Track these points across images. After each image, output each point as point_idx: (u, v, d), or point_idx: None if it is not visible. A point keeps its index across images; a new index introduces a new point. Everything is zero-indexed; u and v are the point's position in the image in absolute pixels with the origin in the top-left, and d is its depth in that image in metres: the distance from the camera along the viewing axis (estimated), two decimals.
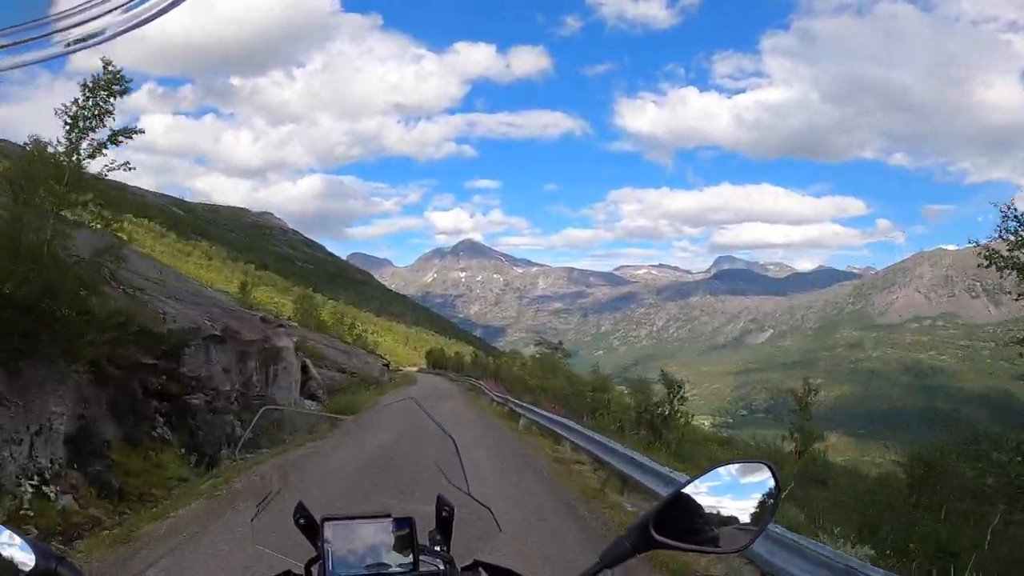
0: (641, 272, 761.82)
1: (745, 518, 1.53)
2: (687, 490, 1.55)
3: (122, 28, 0.84)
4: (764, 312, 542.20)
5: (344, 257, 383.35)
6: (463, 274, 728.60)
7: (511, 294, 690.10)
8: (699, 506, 1.53)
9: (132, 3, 0.86)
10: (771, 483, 1.57)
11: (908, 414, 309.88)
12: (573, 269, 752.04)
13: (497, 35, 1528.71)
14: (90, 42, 0.86)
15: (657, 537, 1.50)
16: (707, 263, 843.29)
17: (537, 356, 68.64)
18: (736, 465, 1.62)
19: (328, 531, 1.74)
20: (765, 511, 1.54)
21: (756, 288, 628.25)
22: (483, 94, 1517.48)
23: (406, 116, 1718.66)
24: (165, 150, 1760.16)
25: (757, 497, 1.55)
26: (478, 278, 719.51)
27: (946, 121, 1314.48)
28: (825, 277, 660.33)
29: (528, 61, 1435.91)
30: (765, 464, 1.61)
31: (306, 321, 63.76)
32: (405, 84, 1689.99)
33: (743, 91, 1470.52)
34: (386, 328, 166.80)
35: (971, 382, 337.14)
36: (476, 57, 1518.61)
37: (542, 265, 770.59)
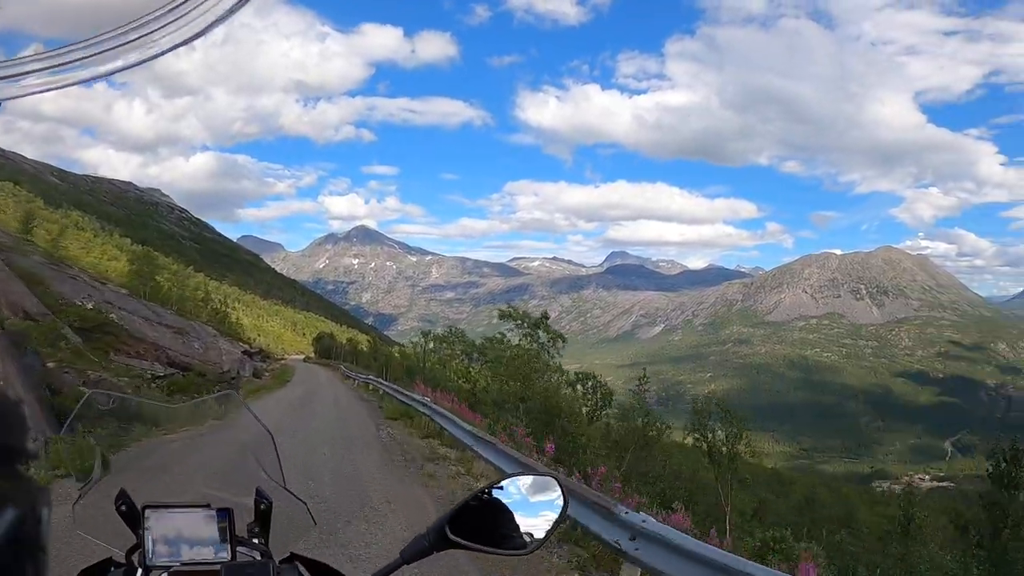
0: (535, 264, 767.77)
1: (535, 524, 1.68)
2: (482, 494, 1.68)
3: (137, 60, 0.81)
4: (656, 307, 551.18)
5: (235, 239, 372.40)
6: (356, 261, 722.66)
7: (404, 282, 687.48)
8: (492, 510, 1.67)
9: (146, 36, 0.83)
10: (559, 495, 1.74)
11: (796, 407, 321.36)
12: (467, 259, 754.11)
13: (405, 19, 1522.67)
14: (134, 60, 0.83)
15: (452, 537, 1.62)
16: (601, 258, 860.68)
17: (503, 349, 42.54)
18: (529, 476, 1.78)
19: (149, 519, 1.72)
20: (552, 520, 1.70)
21: (648, 284, 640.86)
22: (386, 78, 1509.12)
23: (306, 96, 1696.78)
24: (52, 117, 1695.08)
25: (546, 507, 1.71)
26: (371, 265, 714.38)
27: (840, 134, 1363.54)
28: (715, 275, 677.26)
29: (434, 47, 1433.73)
30: (554, 477, 1.79)
31: (141, 288, 56.13)
32: (308, 62, 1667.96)
33: (645, 92, 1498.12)
34: (273, 312, 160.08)
35: (853, 378, 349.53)
36: (382, 40, 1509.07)
37: (436, 254, 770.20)
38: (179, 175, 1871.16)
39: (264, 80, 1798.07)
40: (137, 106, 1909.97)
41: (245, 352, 57.38)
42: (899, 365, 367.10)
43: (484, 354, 46.68)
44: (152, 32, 0.79)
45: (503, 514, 1.66)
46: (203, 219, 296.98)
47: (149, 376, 32.27)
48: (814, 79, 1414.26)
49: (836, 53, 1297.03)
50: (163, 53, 0.82)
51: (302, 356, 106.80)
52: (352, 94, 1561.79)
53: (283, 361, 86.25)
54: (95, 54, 0.81)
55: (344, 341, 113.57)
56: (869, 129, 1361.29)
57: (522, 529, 1.67)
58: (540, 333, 41.15)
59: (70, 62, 0.82)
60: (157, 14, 0.79)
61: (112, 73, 0.81)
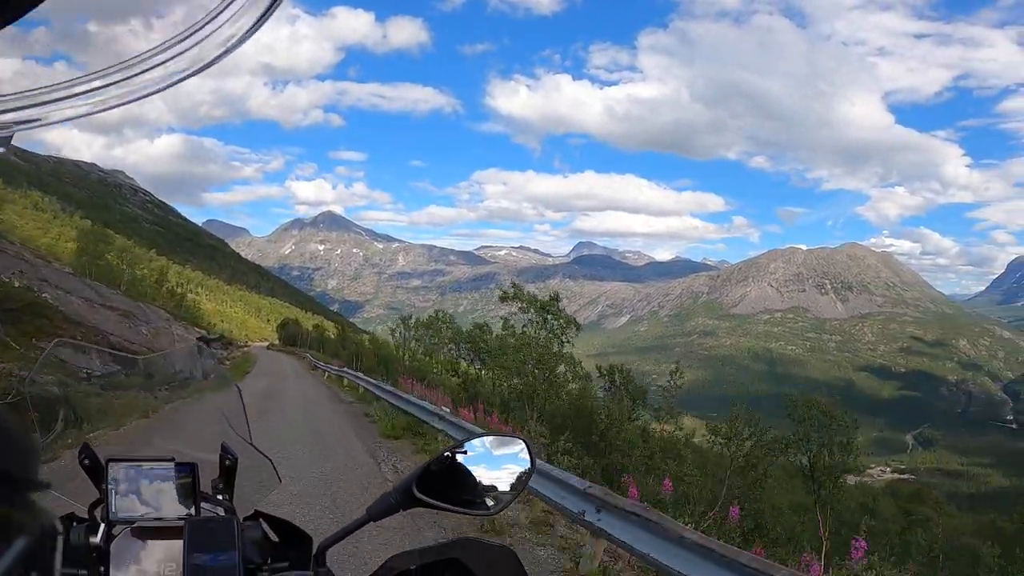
0: (502, 253, 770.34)
1: (502, 486, 1.66)
2: (450, 454, 1.65)
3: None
4: (622, 298, 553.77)
5: (200, 224, 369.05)
6: (322, 247, 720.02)
7: (370, 269, 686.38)
8: (460, 470, 1.64)
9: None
10: (526, 456, 1.72)
11: (759, 399, 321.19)
12: (434, 247, 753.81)
13: (377, 3, 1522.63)
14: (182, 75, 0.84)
15: (419, 495, 1.59)
16: (568, 248, 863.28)
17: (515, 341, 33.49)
18: (496, 437, 1.75)
19: (112, 472, 1.70)
20: (520, 481, 1.69)
21: (614, 274, 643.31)
22: (357, 62, 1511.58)
23: (275, 79, 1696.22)
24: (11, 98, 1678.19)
25: (513, 468, 1.69)
26: (337, 252, 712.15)
27: (808, 131, 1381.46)
28: (681, 267, 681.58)
29: (406, 32, 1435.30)
30: (522, 439, 1.76)
31: (88, 267, 53.04)
32: (277, 44, 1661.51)
33: (616, 83, 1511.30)
34: (237, 298, 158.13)
35: (817, 371, 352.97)
36: (354, 23, 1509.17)
37: (403, 241, 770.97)
38: (144, 157, 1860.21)
39: (232, 62, 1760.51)
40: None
41: (202, 339, 50.25)
42: (862, 359, 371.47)
43: (476, 343, 42.03)
44: (171, 59, 0.83)
45: (470, 474, 1.65)
46: (168, 203, 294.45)
47: (84, 374, 24.89)
48: (785, 76, 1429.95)
49: (808, 51, 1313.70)
50: (179, 80, 0.86)
51: (266, 343, 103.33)
52: (321, 78, 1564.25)
53: (245, 349, 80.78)
54: (112, 83, 0.84)
55: (310, 328, 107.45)
56: (838, 127, 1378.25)
57: (488, 489, 1.65)
58: (549, 318, 34.20)
59: (86, 91, 0.84)
60: (174, 42, 0.83)
61: (129, 102, 0.86)
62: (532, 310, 34.12)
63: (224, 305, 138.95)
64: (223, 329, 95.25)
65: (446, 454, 1.65)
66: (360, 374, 30.39)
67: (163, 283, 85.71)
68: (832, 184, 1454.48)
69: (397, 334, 53.01)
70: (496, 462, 1.68)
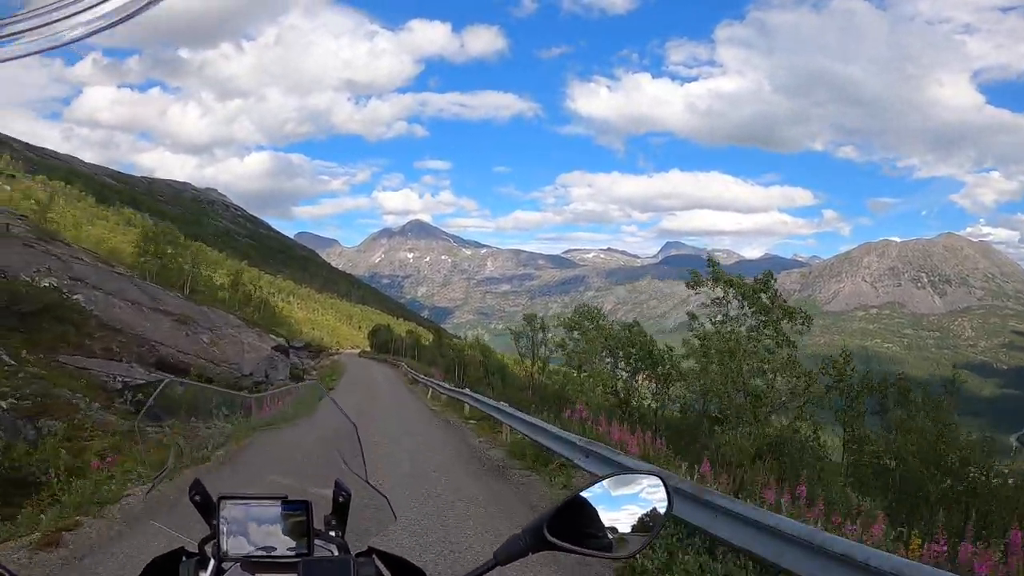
0: (590, 255, 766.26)
1: (636, 526, 1.58)
2: (583, 494, 1.59)
3: (108, 23, 0.80)
4: (712, 297, 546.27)
5: (292, 236, 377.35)
6: (411, 255, 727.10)
7: (459, 276, 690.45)
8: (593, 511, 1.57)
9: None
10: (663, 494, 1.63)
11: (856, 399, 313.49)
12: (522, 251, 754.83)
13: (453, 13, 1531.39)
14: (75, 35, 0.80)
15: (550, 538, 1.53)
16: (656, 248, 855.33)
17: None
18: (631, 475, 1.67)
19: (224, 510, 1.70)
20: (656, 520, 1.60)
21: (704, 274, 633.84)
22: (436, 73, 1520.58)
23: (357, 94, 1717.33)
24: (109, 124, 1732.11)
25: (649, 506, 1.60)
26: (426, 259, 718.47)
27: (897, 117, 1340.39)
28: (771, 265, 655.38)
29: (483, 41, 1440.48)
30: (658, 475, 1.66)
31: (146, 267, 49.54)
32: (358, 61, 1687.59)
33: (696, 79, 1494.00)
34: (328, 306, 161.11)
35: (916, 369, 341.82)
36: (431, 35, 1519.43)
37: (491, 247, 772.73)
38: (235, 175, 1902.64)
39: (315, 80, 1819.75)
40: (191, 109, 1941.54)
41: (278, 348, 44.58)
42: (962, 356, 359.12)
43: (636, 349, 30.17)
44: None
45: (604, 514, 1.56)
46: (260, 217, 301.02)
47: (119, 385, 22.72)
48: (868, 61, 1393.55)
49: (890, 33, 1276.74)
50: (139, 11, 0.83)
51: (357, 350, 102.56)
52: (402, 90, 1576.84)
53: (335, 357, 77.94)
54: (72, 14, 0.80)
55: (403, 333, 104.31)
56: (927, 111, 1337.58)
57: (623, 531, 1.57)
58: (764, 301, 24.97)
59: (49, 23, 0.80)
60: None
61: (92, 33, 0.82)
62: (740, 298, 25.33)
63: (315, 313, 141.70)
64: (313, 337, 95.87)
65: (579, 494, 1.58)
66: (479, 395, 21.97)
67: (239, 286, 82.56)
68: (924, 172, 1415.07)
69: (522, 342, 40.53)
70: (631, 501, 1.60)
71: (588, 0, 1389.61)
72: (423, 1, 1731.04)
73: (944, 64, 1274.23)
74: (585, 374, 30.90)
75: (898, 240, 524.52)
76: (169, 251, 59.25)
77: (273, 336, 48.32)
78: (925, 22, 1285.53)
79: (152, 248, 55.94)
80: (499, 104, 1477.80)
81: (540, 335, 40.17)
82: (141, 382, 23.07)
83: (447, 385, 29.56)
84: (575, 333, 33.11)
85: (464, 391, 24.06)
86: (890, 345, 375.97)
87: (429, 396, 30.59)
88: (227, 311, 47.70)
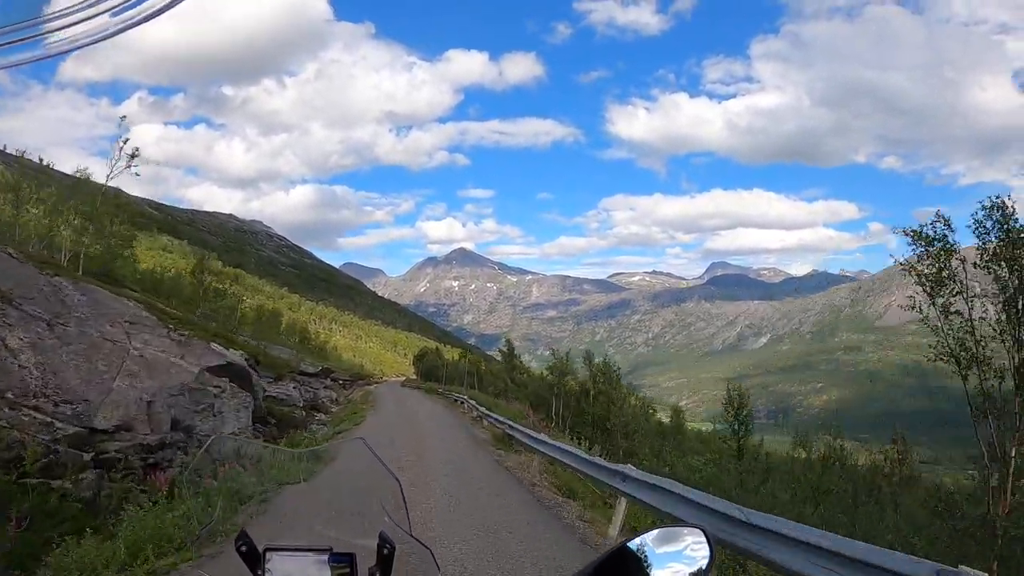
0: (635, 279, 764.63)
1: None
2: (628, 545, 1.59)
3: (111, 31, 0.79)
4: (760, 317, 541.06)
5: (337, 267, 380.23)
6: (456, 283, 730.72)
7: (505, 303, 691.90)
8: (638, 562, 1.57)
9: (121, 6, 0.81)
10: (705, 547, 1.63)
11: (912, 416, 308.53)
12: (567, 277, 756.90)
13: (489, 43, 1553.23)
14: (80, 42, 0.81)
15: None
16: (701, 269, 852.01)
17: None
18: (674, 528, 1.67)
19: (269, 561, 1.76)
20: (699, 574, 1.59)
21: (751, 293, 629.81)
22: (476, 102, 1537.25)
23: (398, 125, 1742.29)
24: (154, 160, 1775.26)
25: (692, 559, 1.60)
26: (471, 287, 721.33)
27: (939, 124, 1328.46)
28: (819, 281, 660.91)
29: (521, 68, 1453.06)
30: (701, 529, 1.67)
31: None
32: (398, 92, 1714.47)
33: (734, 96, 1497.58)
34: (372, 333, 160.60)
35: (973, 383, 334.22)
36: (469, 65, 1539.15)
37: (536, 273, 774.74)
38: (280, 208, 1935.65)
39: (357, 113, 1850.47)
40: (236, 144, 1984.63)
41: (226, 369, 24.59)
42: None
43: None
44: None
45: (647, 568, 1.57)
46: (305, 248, 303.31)
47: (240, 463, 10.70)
48: (907, 67, 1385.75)
49: (927, 38, 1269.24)
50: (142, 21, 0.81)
51: (401, 378, 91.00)
52: (443, 120, 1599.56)
53: (371, 387, 64.57)
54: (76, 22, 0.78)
55: (452, 359, 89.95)
56: (969, 116, 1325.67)
57: None
58: None
59: (21, 40, 0.79)
60: None
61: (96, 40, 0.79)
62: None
63: (359, 341, 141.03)
64: (351, 364, 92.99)
65: (624, 545, 1.58)
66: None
67: (206, 274, 60.51)
68: (970, 178, 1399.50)
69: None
70: (674, 554, 1.60)
71: (622, 23, 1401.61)
72: (460, 31, 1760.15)
73: (984, 66, 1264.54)
74: None
75: None
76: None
77: (221, 346, 28.61)
78: (961, 24, 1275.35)
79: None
80: (539, 130, 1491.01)
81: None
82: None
83: (581, 452, 12.98)
84: None
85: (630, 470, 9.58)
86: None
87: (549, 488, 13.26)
88: (130, 299, 27.81)
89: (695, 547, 1.59)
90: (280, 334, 72.82)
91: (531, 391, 50.41)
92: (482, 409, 28.59)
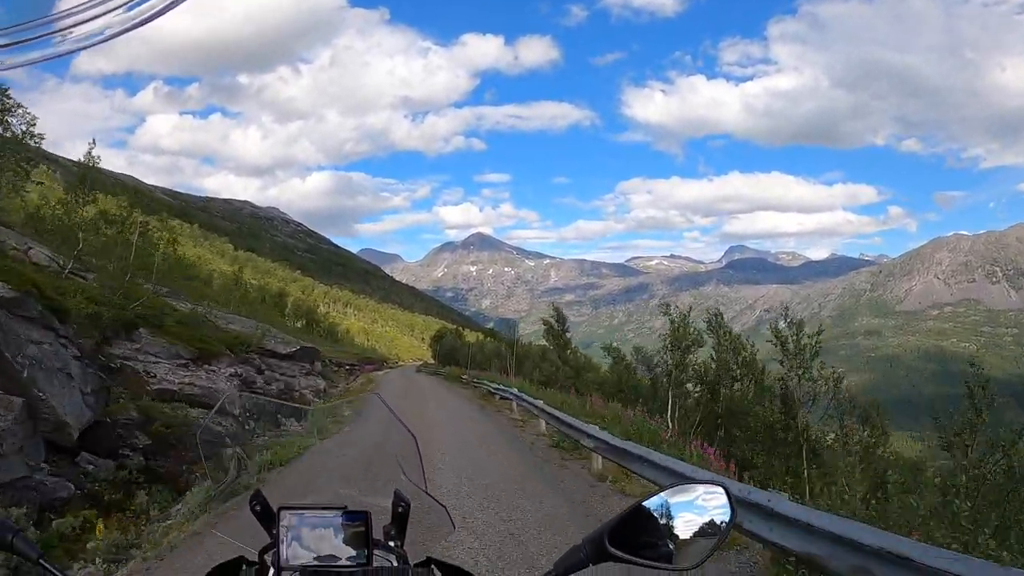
0: (653, 263, 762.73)
1: (699, 537, 1.55)
2: (644, 504, 1.57)
3: (124, 27, 0.79)
4: (779, 301, 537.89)
5: (355, 253, 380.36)
6: (474, 268, 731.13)
7: (523, 287, 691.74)
8: (655, 521, 1.55)
9: (134, 2, 0.81)
10: (726, 505, 1.59)
11: (933, 401, 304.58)
12: (585, 261, 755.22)
13: (504, 26, 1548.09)
14: (92, 40, 0.81)
15: (611, 549, 1.51)
16: (719, 253, 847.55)
17: None
18: (693, 485, 1.62)
19: (284, 519, 1.74)
20: (719, 532, 1.56)
21: (769, 277, 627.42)
22: (491, 86, 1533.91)
23: (414, 110, 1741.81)
24: (172, 150, 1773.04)
25: (712, 518, 1.56)
26: (489, 272, 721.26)
27: (959, 106, 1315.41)
28: (838, 265, 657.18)
29: (536, 52, 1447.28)
30: (721, 486, 1.63)
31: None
32: (413, 78, 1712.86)
33: (751, 78, 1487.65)
34: (389, 316, 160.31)
35: (995, 368, 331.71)
36: (484, 49, 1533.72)
37: (553, 257, 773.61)
38: (297, 195, 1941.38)
39: (372, 99, 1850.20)
40: (252, 132, 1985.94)
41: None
42: None
43: None
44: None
45: (667, 525, 1.54)
46: (322, 234, 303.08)
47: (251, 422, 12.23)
48: (926, 48, 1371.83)
49: (946, 17, 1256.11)
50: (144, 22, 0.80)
51: (418, 362, 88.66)
52: (459, 105, 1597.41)
53: (381, 372, 60.76)
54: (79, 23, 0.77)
55: (475, 340, 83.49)
56: (990, 97, 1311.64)
57: (686, 541, 1.53)
58: None
59: (33, 38, 0.78)
60: None
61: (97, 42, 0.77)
62: None
63: (375, 324, 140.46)
64: (362, 347, 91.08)
65: (640, 504, 1.56)
66: None
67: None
68: (990, 161, 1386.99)
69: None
70: (694, 511, 1.56)
71: (638, 4, 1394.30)
72: (474, 15, 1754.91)
73: (1004, 47, 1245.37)
74: None
75: (969, 234, 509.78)
76: None
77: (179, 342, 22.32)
78: (981, 4, 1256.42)
79: None
80: (555, 114, 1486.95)
81: None
82: None
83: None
84: None
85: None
86: (967, 344, 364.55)
87: None
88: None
89: (715, 505, 1.56)
90: (283, 316, 71.56)
91: (592, 378, 40.49)
92: (578, 424, 13.81)
